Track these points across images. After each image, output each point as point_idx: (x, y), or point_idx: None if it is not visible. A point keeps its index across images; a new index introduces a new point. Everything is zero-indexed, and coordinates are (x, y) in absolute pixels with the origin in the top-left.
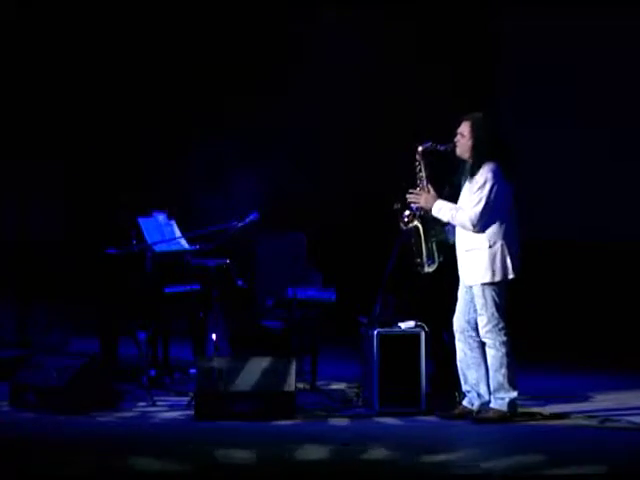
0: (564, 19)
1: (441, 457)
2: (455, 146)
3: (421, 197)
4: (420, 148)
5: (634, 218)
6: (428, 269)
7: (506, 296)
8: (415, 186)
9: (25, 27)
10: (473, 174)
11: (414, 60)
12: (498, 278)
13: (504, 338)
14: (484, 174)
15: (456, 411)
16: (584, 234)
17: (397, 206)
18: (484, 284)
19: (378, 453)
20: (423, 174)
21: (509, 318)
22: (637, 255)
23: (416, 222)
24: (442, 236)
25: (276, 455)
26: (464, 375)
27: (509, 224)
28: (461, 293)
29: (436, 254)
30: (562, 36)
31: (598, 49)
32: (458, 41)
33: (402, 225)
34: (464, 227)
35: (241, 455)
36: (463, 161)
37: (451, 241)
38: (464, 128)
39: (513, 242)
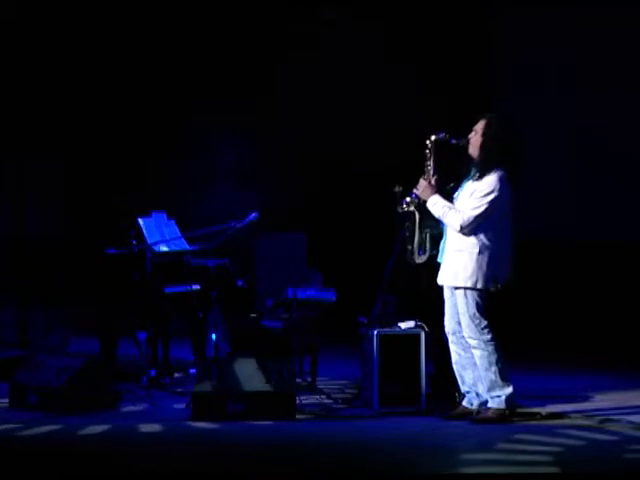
0: (565, 19)
1: (441, 457)
2: (468, 142)
3: (421, 185)
4: (433, 137)
5: (634, 216)
6: (418, 259)
7: (489, 301)
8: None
9: (25, 27)
10: (481, 175)
11: (413, 59)
12: (480, 286)
13: (487, 336)
14: (492, 183)
15: (456, 411)
16: (583, 233)
17: (398, 189)
18: (466, 288)
19: (378, 453)
20: (431, 164)
21: (509, 318)
22: (636, 254)
23: (413, 208)
24: (437, 230)
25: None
26: (461, 376)
27: (503, 231)
28: (447, 296)
29: (428, 246)
30: (562, 36)
31: (598, 49)
32: (458, 41)
33: (399, 208)
34: (452, 227)
35: None
36: (471, 159)
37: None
38: (479, 126)
39: (505, 249)
